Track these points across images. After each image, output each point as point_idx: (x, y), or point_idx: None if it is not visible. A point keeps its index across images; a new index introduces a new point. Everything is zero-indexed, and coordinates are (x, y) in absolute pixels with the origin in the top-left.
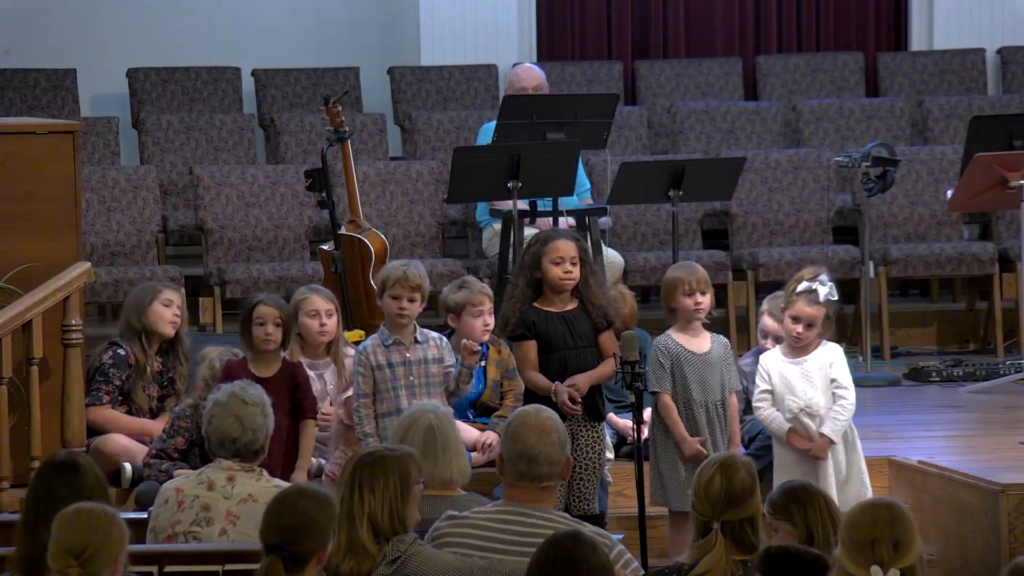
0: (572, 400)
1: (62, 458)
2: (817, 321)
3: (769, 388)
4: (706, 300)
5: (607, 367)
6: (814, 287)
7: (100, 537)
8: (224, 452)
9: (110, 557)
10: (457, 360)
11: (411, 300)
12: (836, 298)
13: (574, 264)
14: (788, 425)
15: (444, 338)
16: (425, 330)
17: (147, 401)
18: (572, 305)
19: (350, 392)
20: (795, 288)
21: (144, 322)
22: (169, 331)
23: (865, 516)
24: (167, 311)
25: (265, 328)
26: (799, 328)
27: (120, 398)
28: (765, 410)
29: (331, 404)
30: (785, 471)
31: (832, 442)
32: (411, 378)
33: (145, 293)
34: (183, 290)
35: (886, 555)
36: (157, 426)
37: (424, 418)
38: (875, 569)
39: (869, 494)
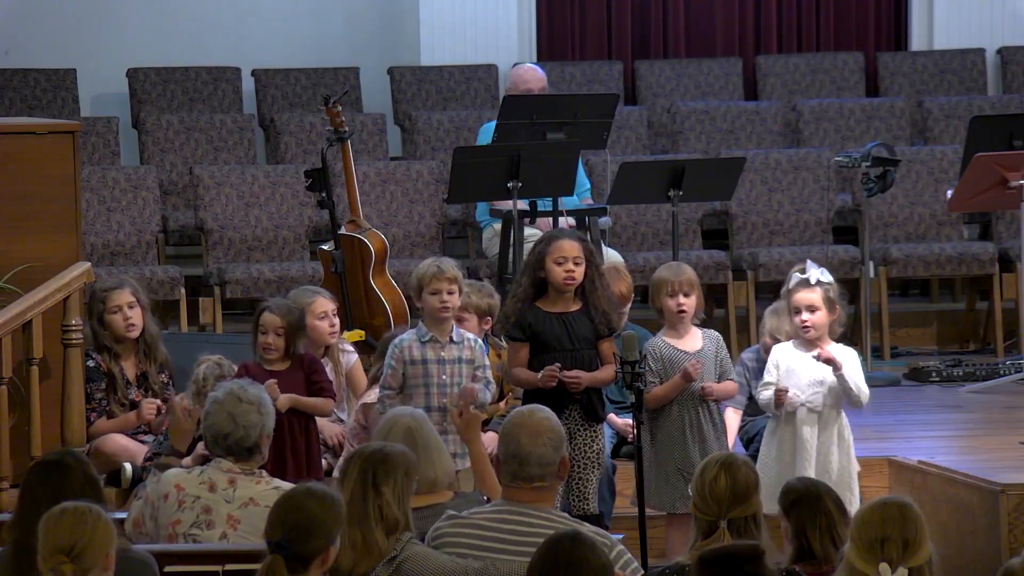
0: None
1: (53, 457)
2: (818, 303)
3: (774, 381)
4: (689, 301)
5: (606, 372)
6: (804, 275)
7: (88, 532)
8: (219, 449)
9: (100, 551)
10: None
11: (450, 292)
12: (829, 280)
13: (577, 264)
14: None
15: (479, 340)
16: (461, 330)
17: (123, 412)
18: (575, 307)
19: (367, 398)
20: (787, 285)
21: (105, 335)
22: (129, 335)
23: (876, 514)
24: (118, 318)
25: (266, 337)
26: (803, 316)
27: (107, 408)
28: (764, 392)
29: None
30: (767, 463)
31: (834, 361)
32: (443, 376)
33: (94, 302)
34: (134, 285)
35: (895, 554)
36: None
37: (402, 421)
38: (883, 567)
39: (856, 499)
